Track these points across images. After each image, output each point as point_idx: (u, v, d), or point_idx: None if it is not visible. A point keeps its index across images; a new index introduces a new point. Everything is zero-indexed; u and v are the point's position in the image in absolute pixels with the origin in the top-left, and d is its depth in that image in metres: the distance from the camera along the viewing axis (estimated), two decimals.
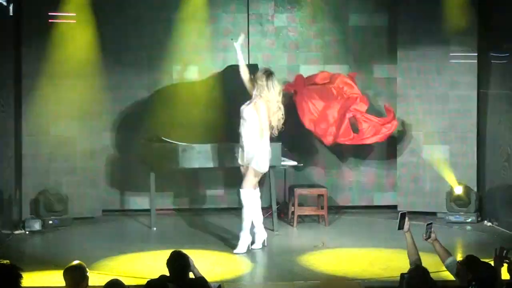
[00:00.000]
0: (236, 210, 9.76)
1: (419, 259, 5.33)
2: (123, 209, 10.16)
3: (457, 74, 9.90)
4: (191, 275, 5.13)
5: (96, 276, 6.43)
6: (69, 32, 9.38)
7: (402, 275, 5.15)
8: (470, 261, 4.91)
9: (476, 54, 9.80)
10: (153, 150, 9.03)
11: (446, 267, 5.39)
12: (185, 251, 5.23)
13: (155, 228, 9.17)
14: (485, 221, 9.61)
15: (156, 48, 10.08)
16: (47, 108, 9.46)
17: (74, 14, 9.38)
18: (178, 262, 5.01)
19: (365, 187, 10.45)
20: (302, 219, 9.61)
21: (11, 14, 8.93)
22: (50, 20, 9.29)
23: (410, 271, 4.70)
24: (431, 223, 5.48)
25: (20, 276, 4.09)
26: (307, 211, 9.59)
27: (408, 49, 10.00)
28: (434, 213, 9.79)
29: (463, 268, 4.94)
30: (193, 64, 10.16)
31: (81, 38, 9.44)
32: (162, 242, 8.45)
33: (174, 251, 5.15)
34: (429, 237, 5.39)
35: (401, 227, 5.38)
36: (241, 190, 8.00)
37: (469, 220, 9.58)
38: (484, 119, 9.80)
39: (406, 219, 5.41)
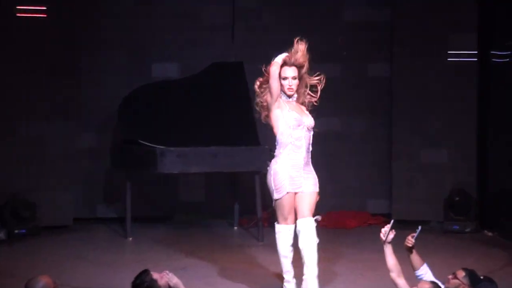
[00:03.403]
0: (220, 218, 9.99)
1: (400, 271, 5.45)
2: (97, 217, 10.13)
3: (455, 73, 9.87)
4: None
5: None
6: (41, 26, 9.33)
7: None
8: (470, 277, 4.99)
9: (477, 52, 9.76)
10: (129, 153, 9.04)
11: (418, 275, 5.46)
12: (163, 264, 5.26)
13: (131, 238, 9.13)
14: (486, 230, 9.57)
15: (135, 44, 10.11)
16: (15, 107, 9.38)
17: (45, 8, 9.36)
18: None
19: (357, 193, 10.42)
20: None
21: None
22: (18, 14, 9.26)
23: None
24: (420, 228, 5.50)
25: None
26: None
27: (404, 46, 9.96)
28: (429, 222, 9.72)
29: (462, 283, 5.01)
30: (174, 61, 10.15)
31: (54, 33, 9.41)
32: (138, 253, 8.40)
33: (140, 273, 5.13)
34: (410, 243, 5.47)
35: (386, 237, 5.44)
36: (312, 218, 6.45)
37: (468, 229, 9.55)
38: (485, 120, 9.82)
39: (393, 229, 5.50)
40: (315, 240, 6.37)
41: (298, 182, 6.41)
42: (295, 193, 6.45)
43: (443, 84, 9.96)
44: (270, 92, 6.41)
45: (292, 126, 6.39)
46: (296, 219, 6.47)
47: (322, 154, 10.02)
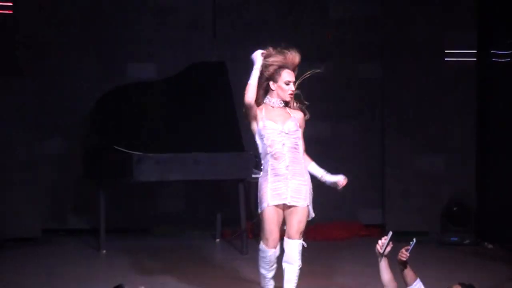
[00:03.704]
0: (201, 230, 10.04)
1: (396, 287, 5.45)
2: (67, 229, 10.06)
3: (452, 74, 9.86)
4: None
5: None
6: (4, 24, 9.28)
7: None
8: None
9: (476, 51, 9.75)
10: (103, 160, 8.99)
11: None
12: (139, 280, 5.23)
13: (104, 251, 9.07)
14: (486, 243, 9.50)
15: (107, 42, 10.03)
16: None
17: (11, 4, 9.30)
18: None
19: (347, 202, 10.29)
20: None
21: None
22: None
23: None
24: (415, 241, 5.42)
25: None
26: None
27: (397, 45, 9.91)
28: (425, 233, 9.67)
29: None
30: (151, 60, 10.10)
31: (17, 30, 9.31)
32: (113, 267, 8.32)
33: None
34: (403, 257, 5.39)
35: (384, 250, 5.37)
36: (299, 241, 6.33)
37: (467, 241, 9.51)
38: (486, 124, 9.77)
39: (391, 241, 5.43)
40: (298, 264, 6.27)
41: (282, 194, 6.23)
42: (283, 208, 6.26)
43: (440, 85, 9.94)
44: (248, 118, 6.29)
45: (265, 137, 6.26)
46: (281, 240, 6.31)
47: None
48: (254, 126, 6.28)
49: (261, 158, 6.35)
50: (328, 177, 6.38)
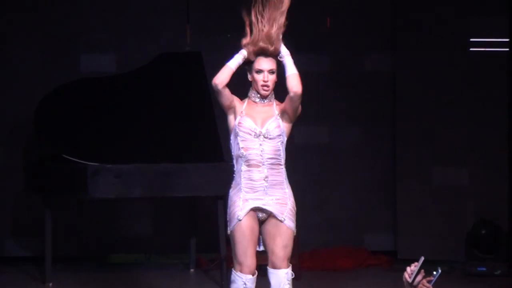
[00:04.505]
0: (172, 258, 10.11)
1: None
2: (5, 257, 10.00)
3: (480, 68, 9.80)
4: None
5: None
6: None
7: None
8: None
9: (508, 40, 9.67)
10: (49, 173, 8.83)
11: None
12: None
13: (51, 284, 8.95)
14: None
15: (56, 29, 10.00)
16: None
17: None
18: None
19: (351, 224, 10.34)
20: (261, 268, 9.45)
21: None
22: None
23: None
24: (439, 271, 5.07)
25: None
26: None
27: (412, 31, 9.82)
28: (447, 262, 9.45)
29: None
30: (109, 51, 10.10)
31: None
32: None
33: None
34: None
35: (413, 280, 5.03)
36: (287, 270, 6.27)
37: (498, 272, 9.38)
38: None
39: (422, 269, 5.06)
40: None
41: (258, 201, 6.07)
42: (260, 221, 6.08)
43: (463, 81, 9.86)
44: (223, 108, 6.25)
45: (242, 135, 6.15)
46: (258, 264, 6.11)
47: (306, 174, 10.24)
48: (231, 119, 6.17)
49: (233, 163, 6.25)
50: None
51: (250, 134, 6.09)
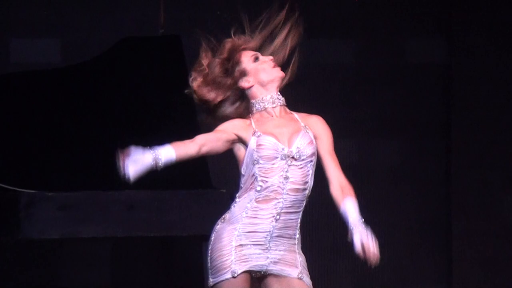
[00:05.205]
0: None
1: None
2: None
3: None
4: None
5: None
6: None
7: None
8: None
9: None
10: None
11: None
12: None
13: None
14: None
15: None
16: None
17: None
18: None
19: (391, 277, 9.94)
20: None
21: None
22: None
23: None
24: None
25: None
26: None
27: (475, 11, 9.48)
28: None
29: None
30: (51, 35, 9.91)
31: None
32: None
33: None
34: None
35: None
36: None
37: None
38: None
39: None
40: None
41: (257, 258, 5.48)
42: (259, 278, 5.45)
43: None
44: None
45: (263, 163, 5.62)
46: None
47: (324, 207, 9.79)
48: (238, 149, 5.59)
49: (236, 196, 5.68)
50: (357, 232, 5.52)
51: (276, 157, 5.47)
